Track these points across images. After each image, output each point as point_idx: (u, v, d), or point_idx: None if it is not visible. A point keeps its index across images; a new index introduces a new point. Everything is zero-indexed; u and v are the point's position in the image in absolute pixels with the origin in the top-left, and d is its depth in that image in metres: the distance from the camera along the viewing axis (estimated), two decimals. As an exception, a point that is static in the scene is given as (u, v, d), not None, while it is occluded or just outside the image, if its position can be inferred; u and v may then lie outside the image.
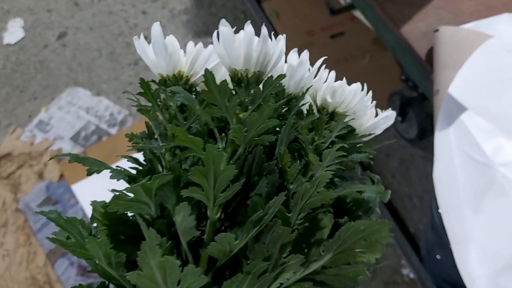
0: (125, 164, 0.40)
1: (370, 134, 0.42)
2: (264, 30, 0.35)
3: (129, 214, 0.36)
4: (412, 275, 1.32)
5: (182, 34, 1.99)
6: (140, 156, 0.41)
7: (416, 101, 1.44)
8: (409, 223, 1.39)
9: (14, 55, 2.04)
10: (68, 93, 1.85)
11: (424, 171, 1.48)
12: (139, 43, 0.40)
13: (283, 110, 0.39)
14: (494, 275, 0.63)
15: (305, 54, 0.42)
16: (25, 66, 2.00)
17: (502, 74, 0.73)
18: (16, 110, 1.87)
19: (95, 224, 0.36)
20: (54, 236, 0.35)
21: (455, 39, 0.73)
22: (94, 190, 0.57)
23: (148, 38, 0.44)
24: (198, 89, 0.42)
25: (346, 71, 1.57)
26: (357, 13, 1.28)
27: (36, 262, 1.45)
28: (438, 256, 1.23)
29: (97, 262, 0.33)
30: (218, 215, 0.33)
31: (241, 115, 0.33)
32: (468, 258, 0.64)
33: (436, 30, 0.76)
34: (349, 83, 0.46)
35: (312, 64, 0.45)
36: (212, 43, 0.39)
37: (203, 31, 2.00)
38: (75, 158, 0.38)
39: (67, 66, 1.96)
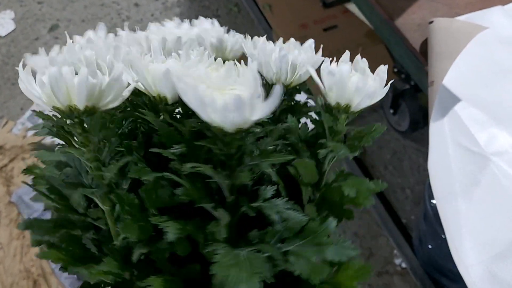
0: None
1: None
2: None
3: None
4: (404, 265, 1.34)
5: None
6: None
7: (408, 94, 1.45)
8: (401, 214, 1.41)
9: (5, 48, 2.02)
10: (60, 85, 1.84)
11: (417, 162, 1.49)
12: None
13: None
14: (488, 262, 0.65)
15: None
16: (17, 59, 1.98)
17: (496, 66, 0.74)
18: (8, 103, 1.86)
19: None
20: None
21: (450, 30, 0.74)
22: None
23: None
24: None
25: (339, 64, 1.58)
26: (350, 6, 1.28)
27: (30, 255, 1.44)
28: (429, 246, 1.25)
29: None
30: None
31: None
32: (462, 246, 0.66)
33: (431, 22, 0.77)
34: None
35: None
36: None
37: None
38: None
39: (59, 58, 1.95)
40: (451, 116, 0.71)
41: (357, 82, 0.43)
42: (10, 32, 2.06)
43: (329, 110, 0.45)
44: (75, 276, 1.38)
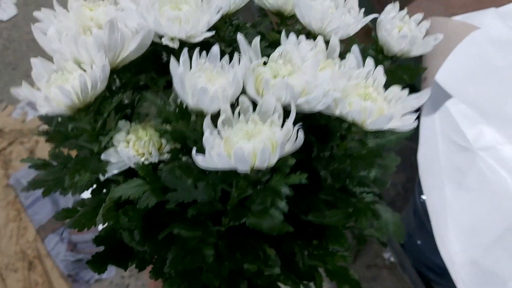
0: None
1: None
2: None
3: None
4: (393, 259, 1.38)
5: None
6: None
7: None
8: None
9: (6, 32, 2.04)
10: (61, 72, 1.86)
11: (409, 160, 1.52)
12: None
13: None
14: (471, 251, 0.68)
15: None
16: (18, 44, 1.99)
17: (487, 65, 0.77)
18: (8, 87, 1.87)
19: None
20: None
21: (444, 29, 0.77)
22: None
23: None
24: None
25: (337, 60, 1.60)
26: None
27: (26, 237, 1.46)
28: (418, 242, 1.29)
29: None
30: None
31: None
32: (447, 235, 0.69)
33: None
34: None
35: None
36: None
37: None
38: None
39: (60, 45, 1.96)
40: (442, 111, 0.74)
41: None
42: (12, 17, 2.07)
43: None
44: (70, 258, 1.40)
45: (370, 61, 0.44)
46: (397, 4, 0.50)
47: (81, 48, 0.42)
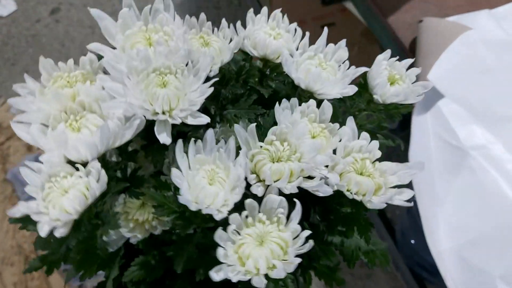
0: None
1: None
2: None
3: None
4: (386, 258, 1.38)
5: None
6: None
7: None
8: (386, 208, 1.44)
9: (6, 28, 2.04)
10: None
11: (405, 159, 1.53)
12: None
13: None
14: (459, 247, 0.69)
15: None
16: (17, 40, 2.00)
17: (479, 65, 0.78)
18: (7, 83, 1.88)
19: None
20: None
21: (437, 29, 0.78)
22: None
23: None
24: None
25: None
26: (348, 5, 1.32)
27: (23, 231, 1.47)
28: (412, 241, 1.30)
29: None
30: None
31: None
32: (437, 232, 0.70)
33: (420, 21, 0.81)
34: None
35: None
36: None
37: (197, 16, 2.03)
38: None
39: (60, 41, 1.97)
40: (433, 110, 0.75)
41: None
42: (12, 13, 2.08)
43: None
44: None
45: (366, 135, 0.46)
46: (388, 54, 0.51)
47: (72, 149, 0.40)
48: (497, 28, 0.83)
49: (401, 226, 1.33)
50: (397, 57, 0.51)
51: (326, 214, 0.49)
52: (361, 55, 1.69)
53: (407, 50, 0.86)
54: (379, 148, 0.52)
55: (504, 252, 0.67)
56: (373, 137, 0.54)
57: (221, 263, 0.39)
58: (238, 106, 0.51)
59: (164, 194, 0.43)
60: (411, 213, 1.21)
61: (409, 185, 1.13)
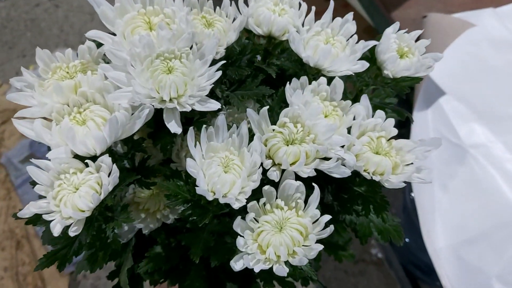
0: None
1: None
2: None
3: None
4: (380, 255, 1.38)
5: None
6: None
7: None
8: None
9: (5, 11, 2.02)
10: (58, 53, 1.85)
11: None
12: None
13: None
14: (456, 246, 0.68)
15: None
16: (16, 23, 1.98)
17: (482, 64, 0.78)
18: (4, 66, 1.86)
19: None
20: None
21: (441, 25, 0.77)
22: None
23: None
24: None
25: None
26: (351, 0, 1.31)
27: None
28: (407, 240, 1.29)
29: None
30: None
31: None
32: (434, 230, 0.69)
33: (424, 16, 0.80)
34: None
35: None
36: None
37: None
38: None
39: (59, 26, 1.95)
40: (435, 107, 0.74)
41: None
42: (11, -4, 2.06)
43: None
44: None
45: (381, 113, 0.44)
46: (397, 26, 0.49)
47: (80, 144, 0.39)
48: (501, 26, 0.82)
49: (396, 224, 1.32)
50: (406, 29, 0.49)
51: (340, 193, 0.48)
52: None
53: (410, 46, 0.86)
54: (389, 117, 0.51)
55: (501, 252, 0.67)
56: (381, 110, 0.53)
57: (237, 248, 0.38)
58: (245, 88, 0.49)
59: (177, 183, 0.42)
60: (407, 212, 1.21)
61: (409, 184, 1.12)
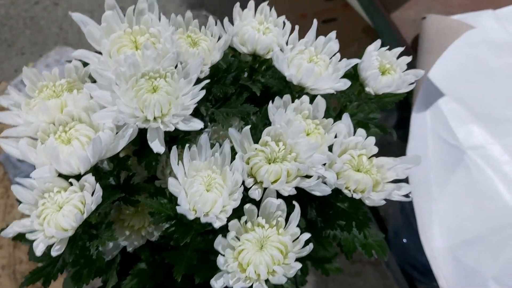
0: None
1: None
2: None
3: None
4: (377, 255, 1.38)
5: (176, 5, 1.99)
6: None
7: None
8: (379, 207, 1.44)
9: (4, 9, 2.02)
10: (57, 51, 1.84)
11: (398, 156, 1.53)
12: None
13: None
14: (453, 247, 0.68)
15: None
16: (15, 21, 1.97)
17: (480, 65, 0.78)
18: (2, 64, 1.86)
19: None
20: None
21: (440, 27, 0.77)
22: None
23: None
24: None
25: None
26: (351, 0, 1.31)
27: (13, 214, 1.46)
28: (404, 240, 1.29)
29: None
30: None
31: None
32: (431, 231, 0.69)
33: (424, 18, 0.80)
34: None
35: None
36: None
37: (197, 3, 2.01)
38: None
39: (58, 25, 1.95)
40: (433, 108, 0.74)
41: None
42: (10, -6, 2.05)
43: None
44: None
45: (362, 131, 0.45)
46: (378, 44, 0.50)
47: (64, 164, 0.39)
48: (500, 28, 0.82)
49: (394, 225, 1.32)
50: (387, 47, 0.50)
51: (323, 209, 0.48)
52: (361, 51, 1.68)
53: (409, 47, 0.86)
54: (372, 133, 0.52)
55: (498, 253, 0.67)
56: (364, 126, 0.54)
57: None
58: (230, 105, 0.49)
59: (160, 201, 0.42)
60: (405, 212, 1.21)
61: (405, 183, 1.12)
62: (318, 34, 0.53)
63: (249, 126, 0.42)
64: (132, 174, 0.48)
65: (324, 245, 0.52)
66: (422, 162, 0.74)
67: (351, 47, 1.85)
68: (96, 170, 0.42)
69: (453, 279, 0.67)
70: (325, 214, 0.48)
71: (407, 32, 0.88)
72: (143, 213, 0.49)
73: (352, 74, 0.51)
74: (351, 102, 0.53)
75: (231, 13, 0.53)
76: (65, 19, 1.95)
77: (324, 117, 0.45)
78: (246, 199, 0.41)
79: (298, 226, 0.40)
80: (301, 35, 0.50)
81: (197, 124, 0.41)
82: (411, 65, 0.84)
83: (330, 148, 0.44)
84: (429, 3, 0.89)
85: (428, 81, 0.74)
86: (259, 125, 0.46)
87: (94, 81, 0.44)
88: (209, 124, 0.51)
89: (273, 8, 0.52)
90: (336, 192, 0.44)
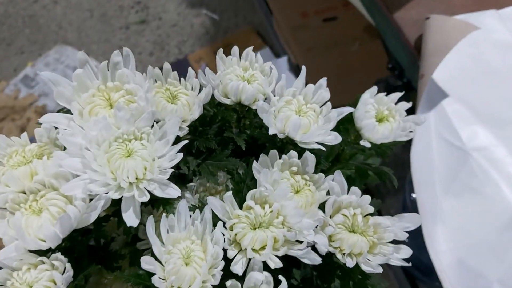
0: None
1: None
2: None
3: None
4: (379, 255, 1.38)
5: (176, 3, 1.98)
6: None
7: (400, 90, 1.48)
8: (381, 206, 1.44)
9: (3, 7, 2.01)
10: (56, 50, 1.84)
11: (401, 158, 1.53)
12: None
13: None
14: (458, 250, 0.68)
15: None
16: (14, 19, 1.97)
17: (484, 66, 0.77)
18: (1, 63, 1.85)
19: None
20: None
21: (444, 27, 0.77)
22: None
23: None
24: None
25: (336, 55, 1.60)
26: (352, -1, 1.30)
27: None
28: (406, 240, 1.29)
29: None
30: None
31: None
32: (435, 233, 0.69)
33: (427, 18, 0.80)
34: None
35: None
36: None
37: (197, 2, 2.00)
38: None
39: (57, 23, 1.94)
40: (437, 110, 0.74)
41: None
42: (9, -8, 2.04)
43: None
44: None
45: (355, 189, 0.42)
46: (374, 90, 0.47)
47: (31, 242, 0.37)
48: (503, 29, 0.81)
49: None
50: (385, 93, 0.47)
51: (319, 265, 0.46)
52: (362, 51, 1.68)
53: (412, 47, 0.85)
54: (372, 180, 0.50)
55: (503, 256, 0.67)
56: (363, 173, 0.51)
57: None
58: (215, 158, 0.46)
59: (138, 272, 0.39)
60: (407, 212, 1.20)
61: (410, 185, 1.12)
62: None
63: (230, 192, 0.40)
64: (111, 238, 0.45)
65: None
66: (426, 165, 0.74)
67: (352, 46, 1.85)
68: (71, 238, 0.40)
69: (458, 282, 0.67)
70: (320, 270, 0.45)
71: (410, 32, 0.88)
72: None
73: (349, 119, 0.47)
74: (347, 145, 0.50)
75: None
76: (64, 18, 1.94)
77: (315, 170, 0.43)
78: (228, 271, 0.38)
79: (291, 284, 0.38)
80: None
81: (175, 192, 0.39)
82: (415, 66, 0.83)
83: (322, 205, 0.41)
84: (432, 4, 0.89)
85: (432, 83, 0.73)
86: (246, 179, 0.43)
87: None
88: (193, 177, 0.48)
89: (258, 54, 0.49)
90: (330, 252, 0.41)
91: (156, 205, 0.42)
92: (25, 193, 0.39)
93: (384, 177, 0.50)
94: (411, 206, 1.18)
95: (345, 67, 1.52)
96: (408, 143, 0.81)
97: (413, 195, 1.16)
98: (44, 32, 1.92)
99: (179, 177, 0.45)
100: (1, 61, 1.86)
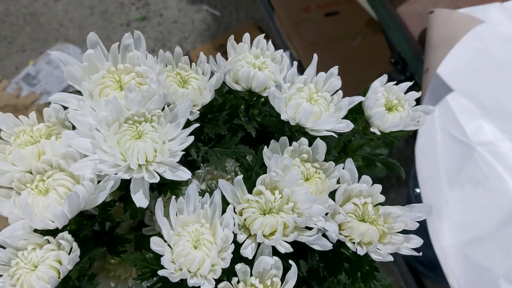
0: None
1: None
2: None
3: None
4: (383, 250, 1.38)
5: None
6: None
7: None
8: (386, 202, 1.44)
9: (3, 5, 2.00)
10: (58, 48, 1.83)
11: (405, 153, 1.53)
12: None
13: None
14: (463, 244, 0.68)
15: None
16: (15, 17, 1.96)
17: (490, 60, 0.77)
18: (3, 61, 1.85)
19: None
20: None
21: (449, 21, 0.76)
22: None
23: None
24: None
25: (338, 50, 1.59)
26: (354, -7, 1.30)
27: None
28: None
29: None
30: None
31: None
32: (440, 228, 0.69)
33: (431, 12, 0.79)
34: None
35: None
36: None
37: (199, -2, 2.00)
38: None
39: (58, 21, 1.94)
40: (442, 104, 0.74)
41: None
42: (10, -10, 2.04)
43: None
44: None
45: (367, 178, 0.42)
46: (384, 78, 0.46)
47: (38, 221, 0.36)
48: (509, 22, 0.81)
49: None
50: (395, 82, 0.46)
51: (326, 255, 0.45)
52: (364, 46, 1.67)
53: (415, 41, 0.85)
54: (379, 172, 0.49)
55: (508, 250, 0.66)
56: (370, 163, 0.51)
57: None
58: (223, 145, 0.46)
59: (145, 256, 0.38)
60: (411, 207, 1.20)
61: (414, 180, 1.12)
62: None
63: (241, 176, 0.39)
64: (118, 222, 0.45)
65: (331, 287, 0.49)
66: (430, 159, 0.74)
67: (355, 40, 1.84)
68: (77, 220, 0.40)
69: (463, 277, 0.66)
70: (328, 261, 0.45)
71: (413, 26, 0.87)
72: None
73: (357, 109, 0.47)
74: (356, 137, 0.50)
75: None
76: (65, 15, 1.94)
77: (325, 160, 0.42)
78: (237, 255, 0.38)
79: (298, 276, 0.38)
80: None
81: (185, 174, 0.38)
82: (419, 60, 0.83)
83: (332, 194, 0.41)
84: (436, -3, 0.88)
85: (437, 77, 0.73)
86: (255, 167, 0.42)
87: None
88: (201, 165, 0.48)
89: (269, 41, 0.48)
90: (339, 241, 0.41)
91: (164, 190, 0.41)
92: (31, 173, 0.39)
93: (392, 168, 0.50)
94: (415, 201, 1.18)
95: (347, 61, 1.52)
96: (412, 138, 0.81)
97: (417, 190, 1.16)
98: (46, 30, 1.91)
99: (187, 164, 0.44)
100: (2, 59, 1.86)
